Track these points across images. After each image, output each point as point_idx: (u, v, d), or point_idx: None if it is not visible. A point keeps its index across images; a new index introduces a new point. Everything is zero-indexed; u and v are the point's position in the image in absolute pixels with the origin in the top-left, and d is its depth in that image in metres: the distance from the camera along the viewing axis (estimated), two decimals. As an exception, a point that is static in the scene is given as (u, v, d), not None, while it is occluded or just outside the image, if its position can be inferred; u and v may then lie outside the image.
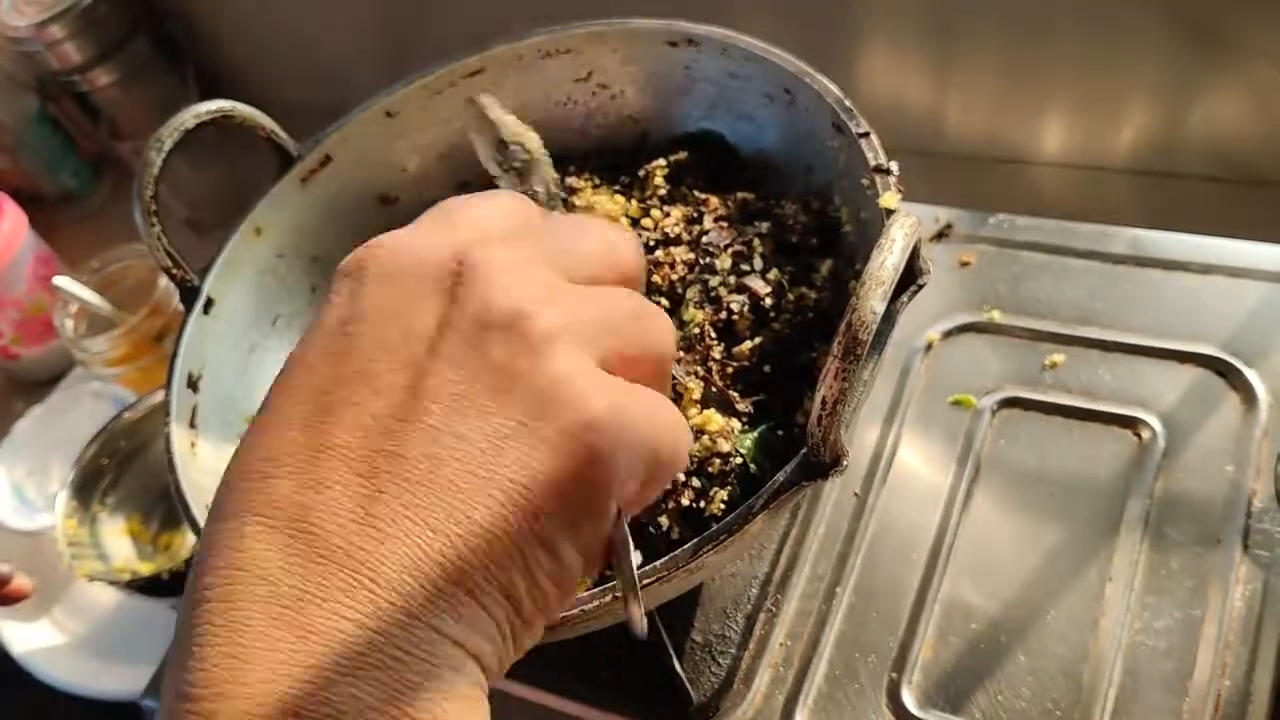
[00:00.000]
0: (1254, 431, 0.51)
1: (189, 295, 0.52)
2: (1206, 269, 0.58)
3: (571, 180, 0.56)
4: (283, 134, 0.55)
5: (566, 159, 0.59)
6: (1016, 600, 0.49)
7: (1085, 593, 0.48)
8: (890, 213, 0.42)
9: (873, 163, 0.45)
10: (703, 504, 0.43)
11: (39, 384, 0.92)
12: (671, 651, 0.49)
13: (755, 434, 0.44)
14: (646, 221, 0.52)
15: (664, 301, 0.48)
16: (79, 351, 0.78)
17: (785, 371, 0.46)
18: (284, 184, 0.56)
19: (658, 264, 0.49)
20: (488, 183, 0.61)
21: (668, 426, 0.28)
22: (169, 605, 0.72)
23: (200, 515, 0.45)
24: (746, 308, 0.47)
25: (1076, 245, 0.61)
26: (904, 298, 0.39)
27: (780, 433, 0.45)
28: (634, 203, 0.54)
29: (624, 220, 0.53)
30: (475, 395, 0.25)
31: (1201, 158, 0.71)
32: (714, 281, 0.48)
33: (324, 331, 0.27)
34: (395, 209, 0.60)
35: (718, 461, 0.43)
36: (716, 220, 0.51)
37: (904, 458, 0.55)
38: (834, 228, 0.50)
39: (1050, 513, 0.51)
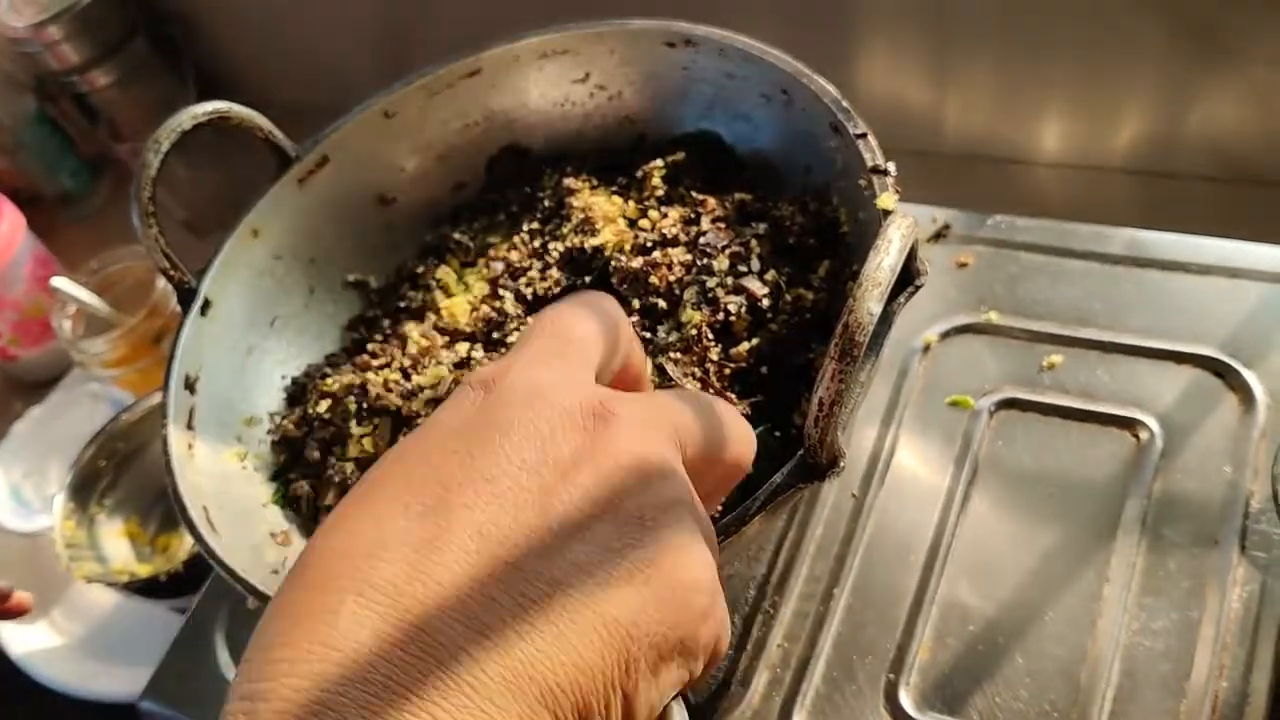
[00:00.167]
0: (1252, 432, 0.51)
1: (186, 297, 0.52)
2: (1205, 270, 0.58)
3: (569, 181, 0.56)
4: (280, 135, 0.55)
5: (564, 159, 0.59)
6: (1014, 601, 0.49)
7: (1083, 594, 0.48)
8: (888, 214, 0.42)
9: (870, 164, 0.45)
10: (700, 505, 0.42)
11: (37, 385, 0.92)
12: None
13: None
14: (644, 222, 0.52)
15: (661, 303, 0.48)
16: (77, 353, 0.78)
17: (783, 372, 0.46)
18: (281, 185, 0.56)
19: (655, 265, 0.49)
20: (486, 184, 0.61)
21: (725, 624, 0.29)
22: (167, 607, 0.72)
23: (198, 516, 0.45)
24: (744, 309, 0.46)
25: (1074, 246, 0.61)
26: (901, 299, 0.39)
27: (778, 434, 0.45)
28: (631, 204, 0.54)
29: (621, 221, 0.53)
30: (602, 532, 0.26)
31: (1200, 158, 0.71)
32: (711, 283, 0.48)
33: (450, 431, 0.28)
34: (393, 209, 0.60)
35: (715, 463, 0.43)
36: (714, 221, 0.50)
37: (902, 459, 0.55)
38: (832, 228, 0.50)
39: (1048, 514, 0.51)
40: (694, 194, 0.53)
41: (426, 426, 0.29)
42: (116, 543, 0.75)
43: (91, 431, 0.75)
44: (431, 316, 0.54)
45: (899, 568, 0.51)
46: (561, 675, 0.24)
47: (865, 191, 0.45)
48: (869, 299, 0.31)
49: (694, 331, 0.46)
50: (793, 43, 0.52)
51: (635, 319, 0.48)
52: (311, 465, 0.51)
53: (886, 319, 0.39)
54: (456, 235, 0.57)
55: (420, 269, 0.57)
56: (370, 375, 0.52)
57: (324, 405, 0.51)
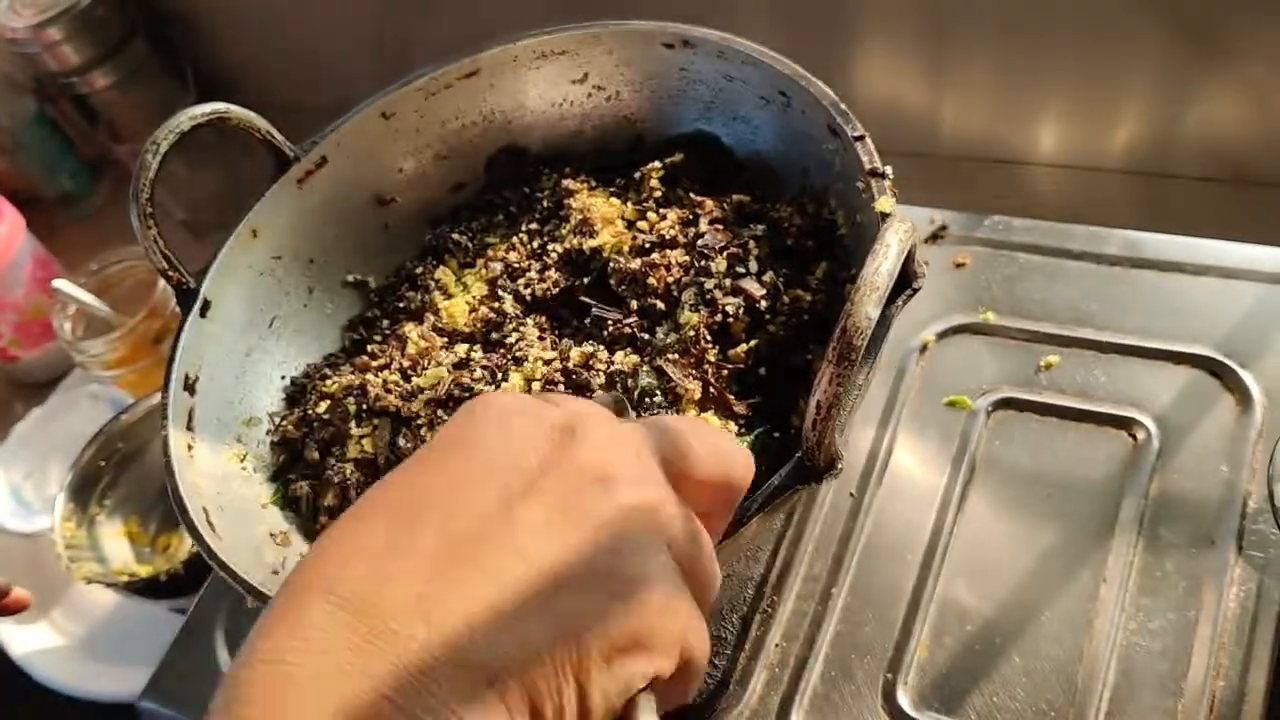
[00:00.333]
0: (1249, 433, 0.52)
1: (186, 298, 0.52)
2: (1201, 270, 0.58)
3: (567, 182, 0.56)
4: (279, 136, 0.55)
5: (562, 160, 0.59)
6: (1011, 601, 0.49)
7: (1080, 594, 0.48)
8: (885, 216, 0.42)
9: (868, 166, 0.45)
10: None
11: (37, 386, 0.92)
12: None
13: (752, 436, 0.45)
14: (642, 224, 0.52)
15: (659, 304, 0.48)
16: (77, 354, 0.78)
17: (780, 373, 0.46)
18: (280, 186, 0.56)
19: (653, 266, 0.49)
20: (484, 185, 0.61)
21: (705, 639, 0.30)
22: (167, 607, 0.72)
23: (197, 517, 0.45)
24: (742, 310, 0.47)
25: (1071, 246, 0.61)
26: (899, 302, 0.39)
27: (776, 434, 0.45)
28: (630, 205, 0.54)
29: (620, 222, 0.53)
30: (559, 532, 0.28)
31: (1196, 159, 0.71)
32: (710, 284, 0.48)
33: (432, 449, 0.30)
34: (392, 210, 0.60)
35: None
36: (712, 223, 0.51)
37: (899, 459, 0.56)
38: (829, 230, 0.50)
39: (1045, 514, 0.51)
40: (692, 195, 0.53)
41: (420, 449, 0.31)
42: (116, 543, 0.75)
43: (91, 432, 0.75)
44: (430, 317, 0.54)
45: (897, 567, 0.51)
46: (508, 661, 0.26)
47: (863, 194, 0.45)
48: (867, 303, 0.32)
49: (692, 333, 0.46)
50: (790, 45, 0.52)
51: (634, 320, 0.49)
52: (311, 466, 0.51)
53: (884, 322, 0.39)
54: (455, 236, 0.57)
55: (419, 269, 0.57)
56: (369, 376, 0.52)
57: (323, 406, 0.52)
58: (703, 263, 0.49)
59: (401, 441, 0.48)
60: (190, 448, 0.49)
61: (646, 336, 0.48)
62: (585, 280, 0.52)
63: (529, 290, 0.53)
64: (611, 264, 0.50)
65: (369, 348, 0.55)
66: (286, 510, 0.51)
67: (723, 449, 0.33)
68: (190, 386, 0.50)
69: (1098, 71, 0.70)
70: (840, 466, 0.36)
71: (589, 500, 0.28)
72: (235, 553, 0.44)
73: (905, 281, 0.39)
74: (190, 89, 0.99)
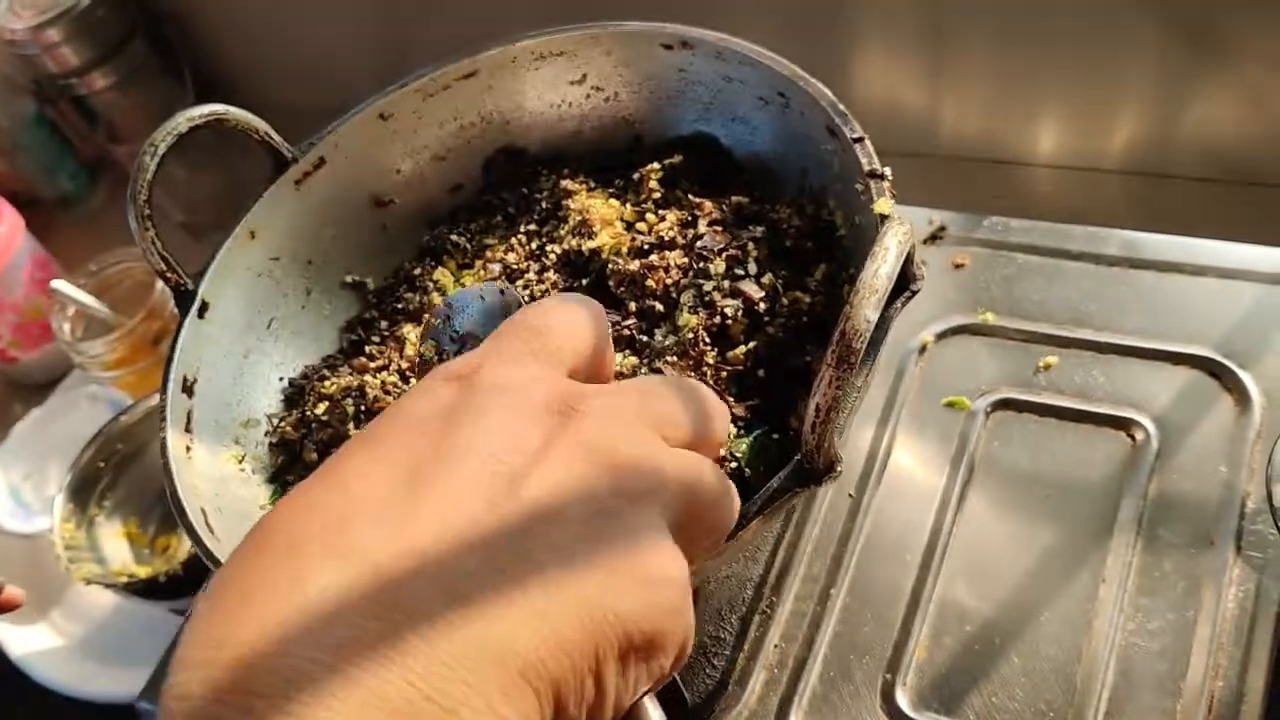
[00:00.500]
0: (1247, 433, 0.52)
1: (184, 299, 0.52)
2: (1200, 270, 0.58)
3: (566, 183, 0.56)
4: (277, 137, 0.55)
5: (560, 161, 0.59)
6: (1010, 601, 0.49)
7: (1079, 594, 0.49)
8: (884, 218, 0.42)
9: (866, 168, 0.45)
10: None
11: (37, 387, 0.92)
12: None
13: (750, 438, 0.45)
14: (641, 225, 0.52)
15: (658, 306, 0.48)
16: (76, 355, 0.78)
17: (779, 375, 0.46)
18: (278, 187, 0.56)
19: (652, 268, 0.49)
20: (483, 186, 0.61)
21: (692, 624, 0.29)
22: (167, 608, 0.72)
23: (196, 519, 0.45)
24: (741, 312, 0.47)
25: (1070, 247, 0.61)
26: (898, 304, 0.39)
27: (775, 436, 0.45)
28: (628, 206, 0.54)
29: (618, 224, 0.53)
30: (574, 520, 0.26)
31: (1195, 159, 0.71)
32: (708, 286, 0.48)
33: (421, 417, 0.28)
34: (390, 211, 0.60)
35: (712, 465, 0.43)
36: (711, 224, 0.51)
37: (898, 459, 0.56)
38: (828, 232, 0.50)
39: (1044, 514, 0.52)
40: (691, 197, 0.53)
41: (394, 411, 0.28)
42: (116, 544, 0.75)
43: (91, 433, 0.75)
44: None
45: (896, 568, 0.51)
46: (545, 652, 0.24)
47: (862, 195, 0.45)
48: (866, 306, 0.32)
49: (691, 335, 0.46)
50: (789, 45, 0.52)
51: (632, 322, 0.49)
52: (310, 467, 0.51)
53: (883, 325, 0.39)
54: (453, 237, 0.57)
55: (418, 270, 0.57)
56: (368, 377, 0.52)
57: (322, 407, 0.52)
58: (701, 264, 0.49)
59: (400, 443, 0.48)
60: (189, 449, 0.49)
61: (645, 338, 0.48)
62: (584, 282, 0.52)
63: (527, 291, 0.53)
64: (610, 265, 0.50)
65: (367, 349, 0.55)
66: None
67: (714, 402, 0.32)
68: (188, 388, 0.50)
69: (1097, 72, 0.70)
70: (840, 469, 0.36)
71: (598, 487, 0.27)
72: (234, 554, 0.44)
73: (904, 283, 0.39)
74: (189, 90, 0.99)
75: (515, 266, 0.55)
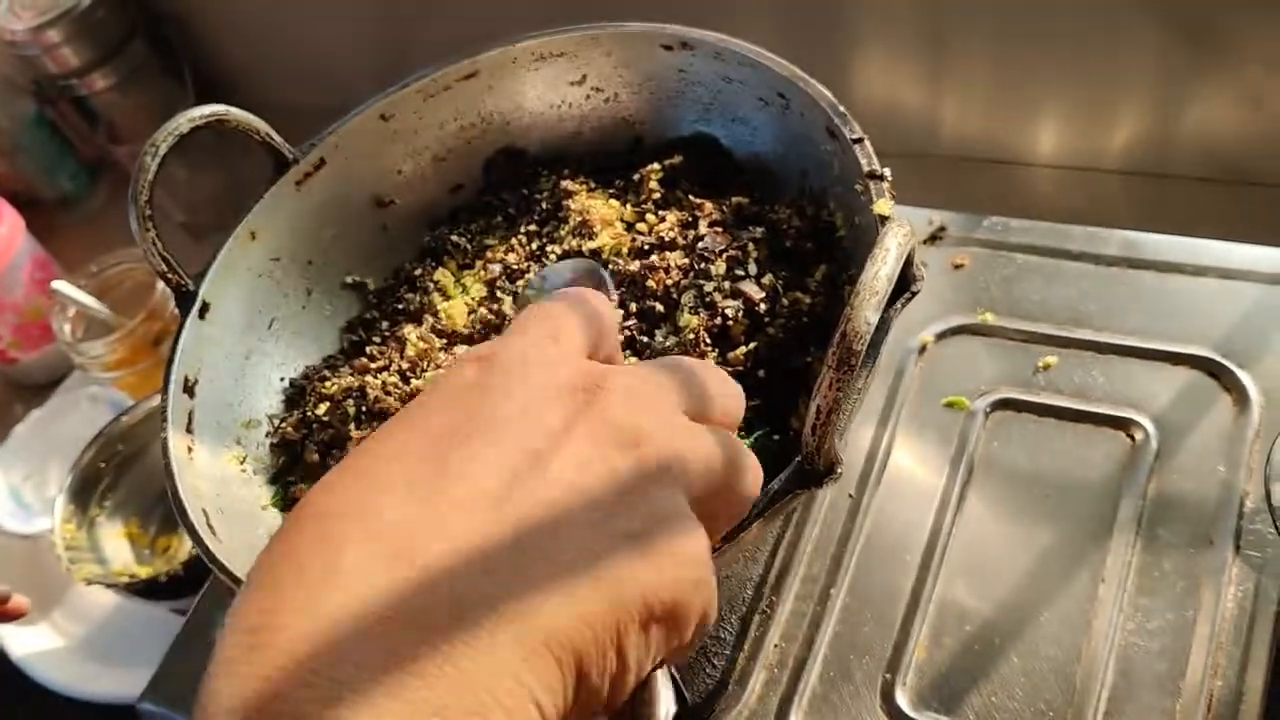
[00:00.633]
0: (1246, 433, 0.52)
1: (184, 299, 0.52)
2: (1199, 271, 0.58)
3: (566, 184, 0.56)
4: (277, 138, 0.55)
5: (560, 162, 0.59)
6: (1010, 601, 0.49)
7: (1078, 594, 0.49)
8: (884, 219, 0.42)
9: (866, 169, 0.45)
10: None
11: (37, 388, 0.92)
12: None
13: (751, 439, 0.45)
14: (641, 226, 0.52)
15: (658, 306, 0.48)
16: (77, 355, 0.78)
17: (780, 376, 0.46)
18: (279, 187, 0.56)
19: (652, 269, 0.49)
20: (483, 187, 0.61)
21: (714, 597, 0.30)
22: (168, 608, 0.72)
23: (197, 519, 0.45)
24: (741, 313, 0.47)
25: (1070, 247, 0.61)
26: (898, 305, 0.39)
27: (776, 437, 0.45)
28: (629, 207, 0.54)
29: (619, 224, 0.53)
30: (599, 497, 0.27)
31: (1194, 159, 0.71)
32: (709, 287, 0.48)
33: (446, 399, 0.29)
34: (391, 212, 0.60)
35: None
36: (711, 225, 0.51)
37: (898, 460, 0.56)
38: (828, 233, 0.50)
39: (1043, 514, 0.52)
40: (691, 197, 0.53)
41: (423, 396, 0.30)
42: (116, 544, 0.75)
43: (91, 434, 0.75)
44: (429, 319, 0.54)
45: (895, 568, 0.52)
46: (567, 624, 0.25)
47: (862, 196, 0.45)
48: (866, 308, 0.32)
49: (691, 335, 0.46)
50: (789, 46, 0.53)
51: (632, 323, 0.49)
52: (311, 468, 0.51)
53: (883, 326, 0.39)
54: (454, 237, 0.57)
55: (418, 271, 0.57)
56: (369, 378, 0.52)
57: (323, 408, 0.52)
58: (702, 265, 0.49)
59: (401, 443, 0.48)
60: (190, 450, 0.49)
61: (645, 339, 0.48)
62: (584, 282, 0.52)
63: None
64: (610, 266, 0.51)
65: (368, 349, 0.55)
66: (287, 513, 0.51)
67: (729, 384, 0.33)
68: (189, 389, 0.50)
69: (1096, 72, 0.70)
70: (840, 471, 0.36)
71: (623, 467, 0.28)
72: (235, 555, 0.44)
73: (904, 284, 0.39)
74: (189, 91, 0.99)
75: (516, 267, 0.55)
